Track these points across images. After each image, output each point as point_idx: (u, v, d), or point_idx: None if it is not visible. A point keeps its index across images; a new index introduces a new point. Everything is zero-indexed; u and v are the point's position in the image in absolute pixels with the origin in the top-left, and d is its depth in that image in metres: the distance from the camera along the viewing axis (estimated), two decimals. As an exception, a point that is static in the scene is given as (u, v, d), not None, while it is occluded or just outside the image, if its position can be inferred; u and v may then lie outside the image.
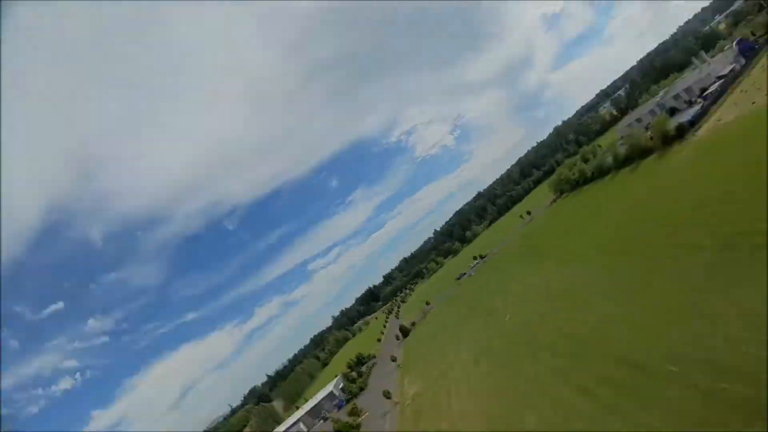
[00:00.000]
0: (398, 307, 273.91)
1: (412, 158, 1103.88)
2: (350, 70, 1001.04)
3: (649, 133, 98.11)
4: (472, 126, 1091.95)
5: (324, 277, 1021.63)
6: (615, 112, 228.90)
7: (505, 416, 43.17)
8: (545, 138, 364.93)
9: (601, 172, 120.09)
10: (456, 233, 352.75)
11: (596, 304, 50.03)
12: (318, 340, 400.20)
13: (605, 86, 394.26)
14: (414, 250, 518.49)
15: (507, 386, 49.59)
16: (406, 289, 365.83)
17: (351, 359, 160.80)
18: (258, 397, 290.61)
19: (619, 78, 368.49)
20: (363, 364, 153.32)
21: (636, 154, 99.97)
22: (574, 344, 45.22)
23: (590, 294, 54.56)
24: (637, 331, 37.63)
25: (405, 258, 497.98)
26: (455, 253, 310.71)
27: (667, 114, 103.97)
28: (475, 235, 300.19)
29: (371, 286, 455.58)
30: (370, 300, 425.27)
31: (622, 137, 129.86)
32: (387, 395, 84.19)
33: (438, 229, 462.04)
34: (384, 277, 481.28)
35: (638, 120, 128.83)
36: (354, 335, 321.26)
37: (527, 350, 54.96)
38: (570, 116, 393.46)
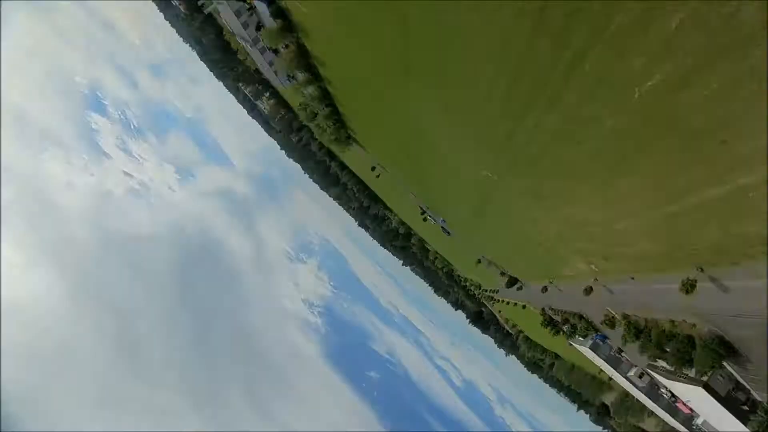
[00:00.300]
0: (488, 291, 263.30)
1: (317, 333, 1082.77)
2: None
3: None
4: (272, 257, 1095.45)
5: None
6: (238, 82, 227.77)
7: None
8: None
9: (314, 74, 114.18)
10: (400, 243, 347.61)
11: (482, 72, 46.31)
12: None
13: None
14: (422, 286, 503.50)
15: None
16: (466, 286, 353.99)
17: (545, 331, 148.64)
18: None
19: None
20: (554, 323, 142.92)
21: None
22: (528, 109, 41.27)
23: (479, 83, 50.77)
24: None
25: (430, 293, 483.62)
26: (421, 245, 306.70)
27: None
28: (405, 223, 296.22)
29: (467, 319, 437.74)
30: (480, 322, 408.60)
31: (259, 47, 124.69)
32: (588, 291, 75.92)
33: (402, 264, 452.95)
34: (453, 308, 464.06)
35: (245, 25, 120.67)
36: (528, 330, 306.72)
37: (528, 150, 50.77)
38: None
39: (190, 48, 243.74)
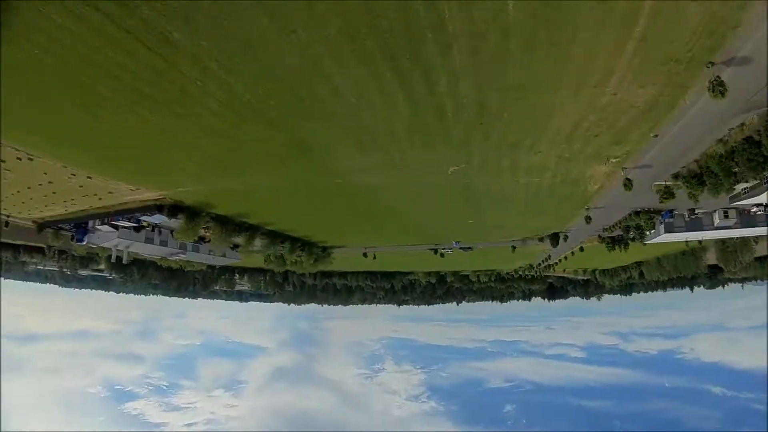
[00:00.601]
0: (541, 264, 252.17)
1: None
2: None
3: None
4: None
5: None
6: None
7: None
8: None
9: (248, 228, 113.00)
10: (441, 291, 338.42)
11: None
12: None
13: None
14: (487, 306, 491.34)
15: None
16: (520, 275, 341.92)
17: (614, 253, 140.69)
18: None
19: None
20: (619, 239, 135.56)
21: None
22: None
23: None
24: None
25: (498, 306, 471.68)
26: (458, 277, 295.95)
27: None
28: (430, 272, 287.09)
29: (544, 299, 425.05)
30: (556, 293, 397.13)
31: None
32: (627, 184, 68.62)
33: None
34: (526, 300, 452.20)
35: (164, 243, 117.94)
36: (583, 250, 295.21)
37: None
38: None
39: (153, 294, 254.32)
